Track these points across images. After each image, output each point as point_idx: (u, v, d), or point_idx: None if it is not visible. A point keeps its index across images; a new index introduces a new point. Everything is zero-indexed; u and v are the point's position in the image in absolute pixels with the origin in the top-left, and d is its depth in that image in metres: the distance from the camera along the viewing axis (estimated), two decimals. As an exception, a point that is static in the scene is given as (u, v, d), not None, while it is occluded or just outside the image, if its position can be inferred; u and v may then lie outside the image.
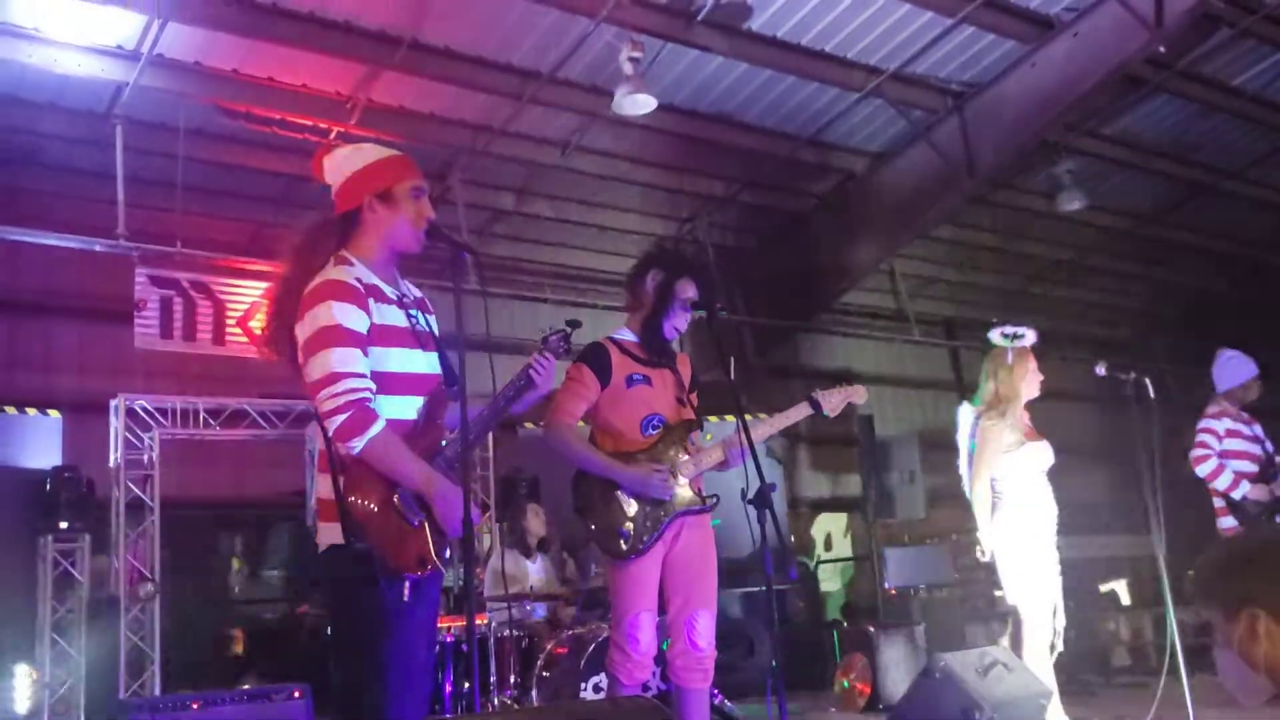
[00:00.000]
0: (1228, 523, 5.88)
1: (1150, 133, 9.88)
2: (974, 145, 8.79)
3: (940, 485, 9.15)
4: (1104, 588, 10.23)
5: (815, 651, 8.62)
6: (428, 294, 3.14)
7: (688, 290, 3.93)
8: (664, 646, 3.98)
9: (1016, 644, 4.91)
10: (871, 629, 7.52)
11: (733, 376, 4.24)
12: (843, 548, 12.44)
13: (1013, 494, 4.90)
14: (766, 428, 4.04)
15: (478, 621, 5.66)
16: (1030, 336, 5.10)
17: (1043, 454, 4.98)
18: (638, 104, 7.19)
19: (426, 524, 2.73)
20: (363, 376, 2.73)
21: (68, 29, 6.73)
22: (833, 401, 4.07)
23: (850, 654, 7.51)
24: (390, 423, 2.74)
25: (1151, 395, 4.70)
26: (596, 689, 5.47)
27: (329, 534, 2.75)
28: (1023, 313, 12.36)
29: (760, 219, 10.66)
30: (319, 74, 7.47)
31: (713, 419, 7.93)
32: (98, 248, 7.47)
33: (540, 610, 6.51)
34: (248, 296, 7.88)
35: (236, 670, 8.51)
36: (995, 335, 5.13)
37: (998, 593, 5.35)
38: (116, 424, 7.56)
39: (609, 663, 3.84)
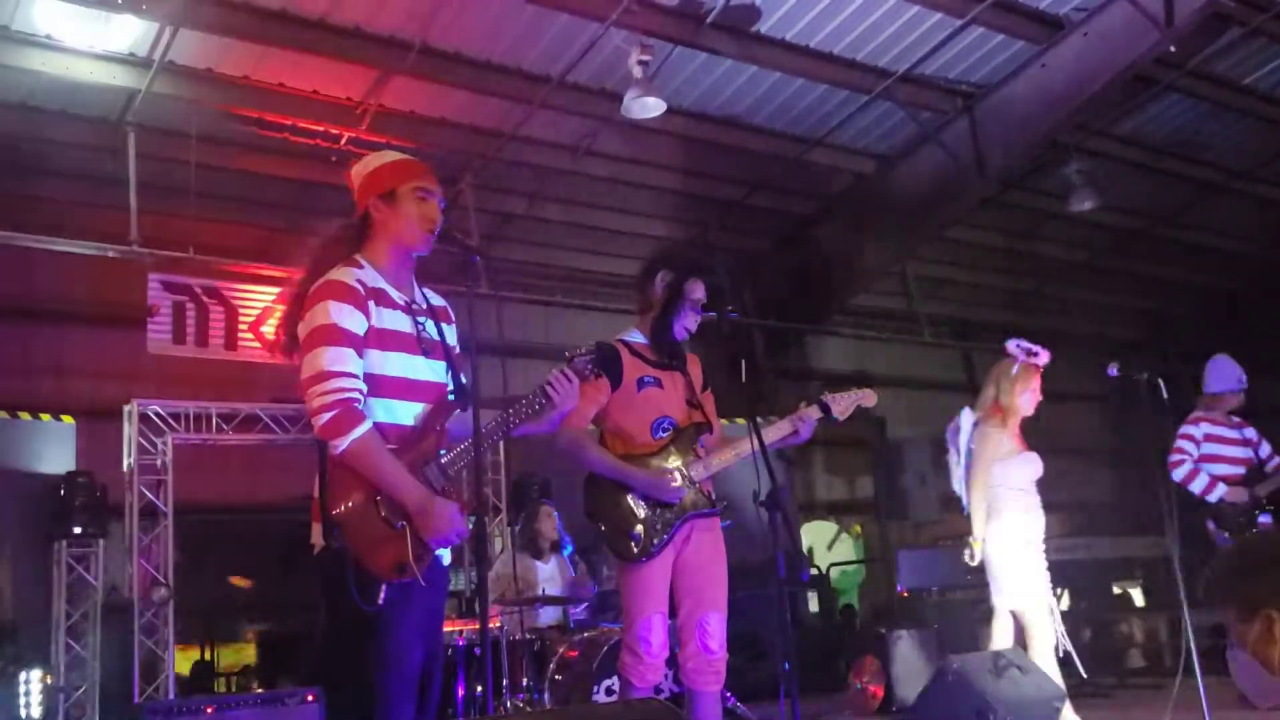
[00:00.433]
0: (1212, 525, 5.87)
1: (1161, 132, 9.85)
2: (984, 146, 8.78)
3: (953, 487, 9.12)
4: (1117, 589, 10.19)
5: (829, 653, 8.60)
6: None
7: (697, 291, 3.92)
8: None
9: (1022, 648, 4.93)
10: (884, 631, 7.51)
11: (744, 379, 4.23)
12: (830, 557, 12.39)
13: (1007, 500, 4.96)
14: (776, 431, 4.03)
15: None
16: (1044, 358, 5.11)
17: (1034, 465, 5.07)
18: (647, 107, 7.21)
19: (408, 530, 2.67)
20: (353, 376, 2.70)
21: (80, 37, 6.78)
22: (842, 405, 4.04)
23: (863, 656, 7.49)
24: (381, 426, 2.72)
25: (1164, 396, 4.69)
26: (609, 692, 5.46)
27: (317, 534, 2.74)
28: (1034, 314, 12.37)
29: (770, 221, 10.65)
30: (330, 79, 7.50)
31: (724, 422, 7.91)
32: (110, 254, 7.52)
33: (552, 613, 6.51)
34: (260, 301, 7.91)
35: (250, 674, 8.54)
36: (1012, 346, 5.15)
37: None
38: (130, 429, 7.60)
39: (621, 665, 3.83)
